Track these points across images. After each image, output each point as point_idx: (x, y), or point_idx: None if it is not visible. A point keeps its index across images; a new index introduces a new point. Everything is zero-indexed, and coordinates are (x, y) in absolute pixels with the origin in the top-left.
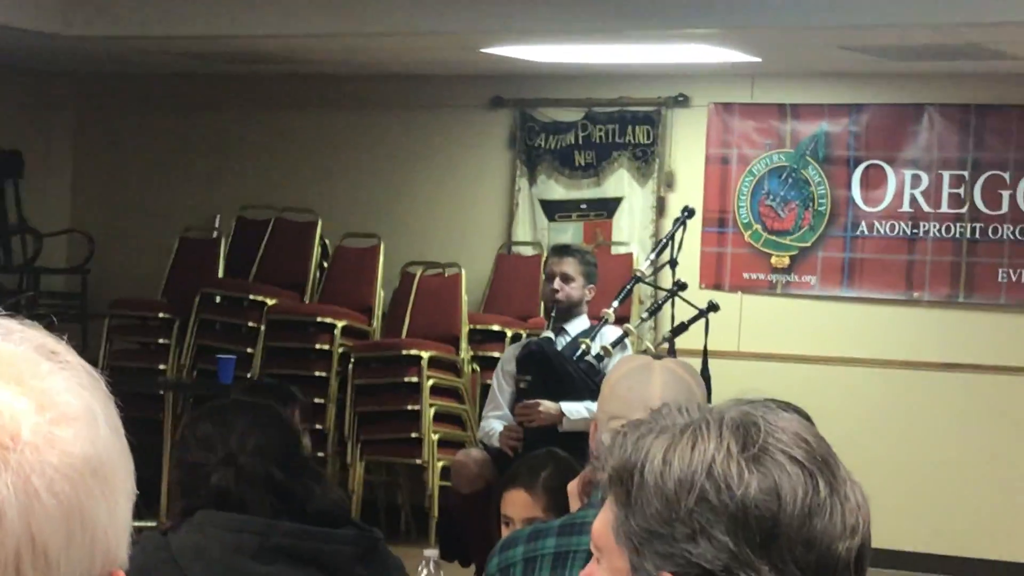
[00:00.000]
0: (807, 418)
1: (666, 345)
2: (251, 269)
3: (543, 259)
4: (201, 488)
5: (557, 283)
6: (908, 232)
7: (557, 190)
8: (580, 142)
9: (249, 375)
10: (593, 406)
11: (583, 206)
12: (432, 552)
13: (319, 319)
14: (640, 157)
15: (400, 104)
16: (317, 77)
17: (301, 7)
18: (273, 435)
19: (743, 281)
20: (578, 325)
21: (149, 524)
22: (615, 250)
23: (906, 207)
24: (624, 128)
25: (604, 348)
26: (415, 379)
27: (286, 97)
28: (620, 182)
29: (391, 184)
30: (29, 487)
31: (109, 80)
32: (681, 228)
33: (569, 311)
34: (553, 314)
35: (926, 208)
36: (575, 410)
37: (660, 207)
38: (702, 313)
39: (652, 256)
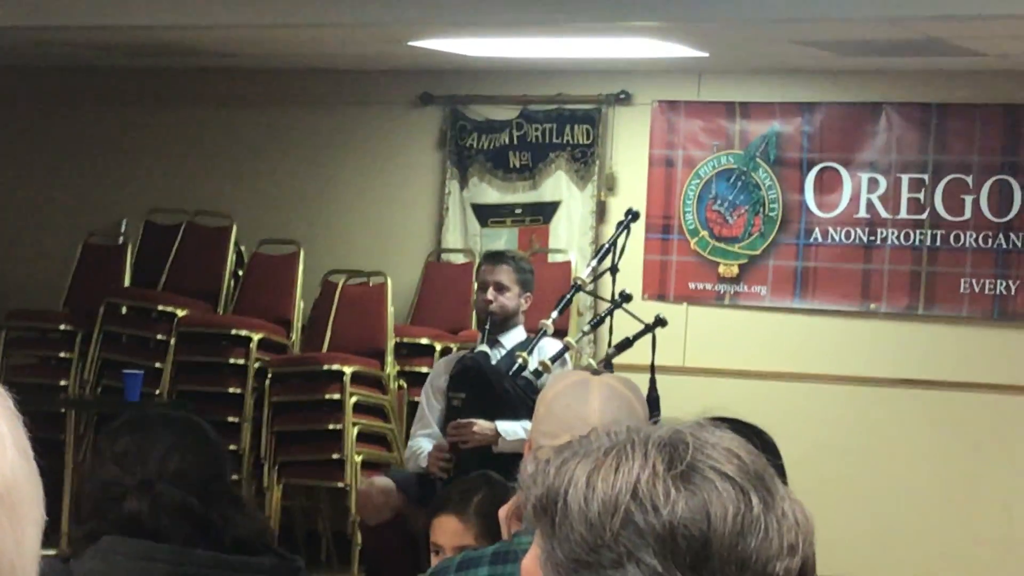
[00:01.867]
0: (762, 437)
1: (606, 361)
2: (160, 278)
3: (475, 267)
4: (112, 511)
5: (491, 293)
6: (865, 239)
7: (490, 193)
8: (515, 142)
9: (158, 391)
10: (530, 425)
11: (518, 211)
12: None
13: (233, 331)
14: (579, 159)
15: (321, 101)
16: (231, 71)
17: None
18: (196, 459)
19: (689, 291)
20: (514, 337)
21: (49, 552)
22: (552, 258)
23: (863, 212)
24: (562, 127)
25: (543, 363)
26: (337, 396)
27: (198, 93)
28: (558, 185)
29: (311, 187)
30: None
31: (4, 74)
32: (625, 233)
33: (504, 322)
34: (487, 326)
35: (884, 214)
36: (511, 430)
37: (600, 212)
38: (648, 328)
39: (593, 263)
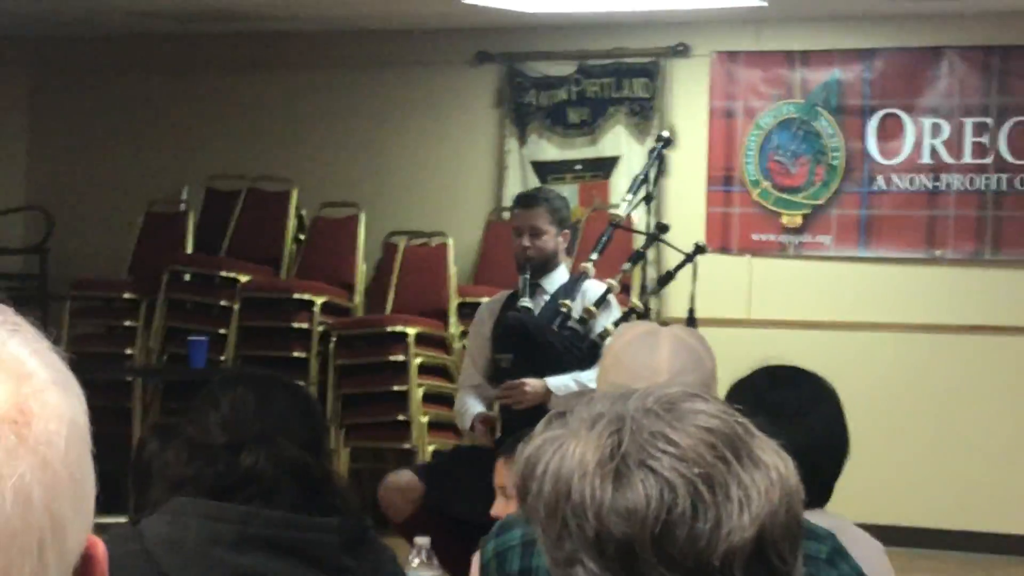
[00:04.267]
0: (823, 385)
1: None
2: (222, 244)
3: None
4: (219, 462)
5: (527, 239)
6: (929, 186)
7: (549, 150)
8: (573, 98)
9: (223, 358)
10: (582, 376)
11: (578, 167)
12: (424, 540)
13: (296, 296)
14: (638, 112)
15: (379, 62)
16: (289, 36)
17: None
18: (307, 422)
19: (752, 243)
20: (556, 279)
21: (118, 520)
22: (613, 212)
23: (926, 159)
24: (620, 82)
25: (587, 310)
26: (401, 358)
27: (257, 58)
28: (617, 140)
29: (371, 149)
30: (46, 462)
31: (65, 44)
32: (657, 161)
33: (544, 266)
34: (527, 275)
35: (947, 159)
36: (562, 384)
37: (661, 166)
38: (689, 258)
39: (628, 196)
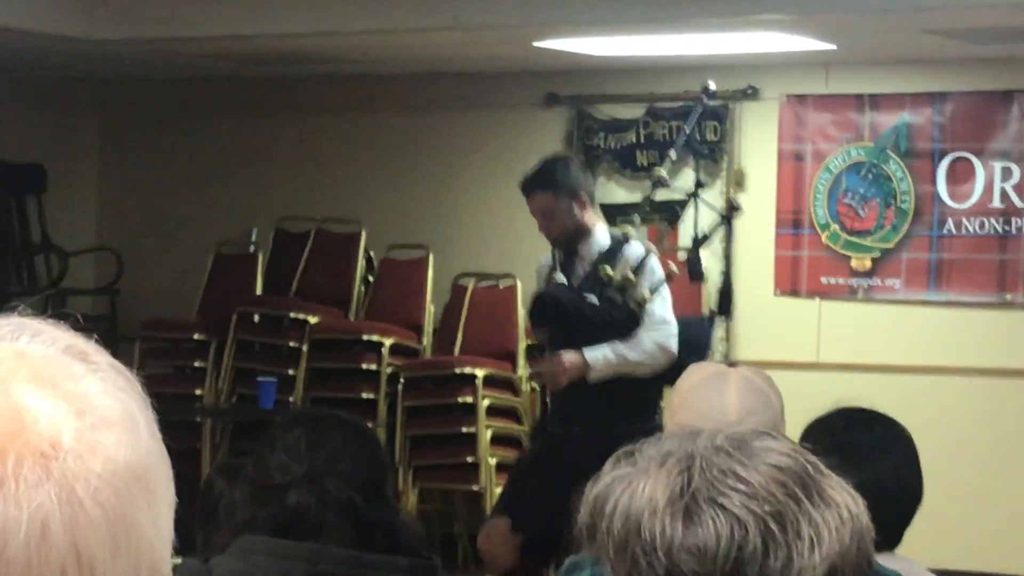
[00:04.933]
0: (896, 430)
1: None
2: (291, 285)
3: None
4: (274, 500)
5: (541, 224)
6: (999, 229)
7: (618, 192)
8: (642, 140)
9: (291, 398)
10: (620, 347)
11: (647, 209)
12: None
13: (365, 337)
14: (707, 155)
15: (448, 104)
16: (357, 78)
17: (336, 2)
18: (363, 461)
19: (821, 286)
20: (594, 245)
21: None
22: (683, 256)
23: (996, 202)
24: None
25: (626, 277)
26: (470, 399)
27: (325, 100)
28: (686, 183)
29: (439, 191)
30: (73, 497)
31: (135, 86)
32: (698, 115)
33: (572, 239)
34: (555, 252)
35: (1018, 203)
36: (600, 356)
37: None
38: (725, 218)
39: (671, 155)
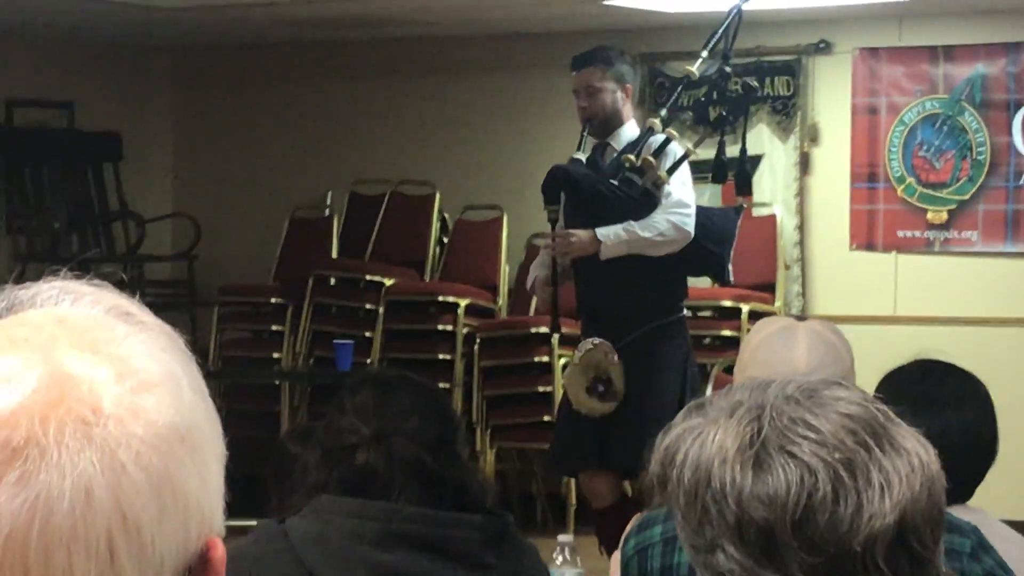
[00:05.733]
0: (973, 383)
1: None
2: (366, 248)
3: None
4: (343, 461)
5: (583, 98)
6: None
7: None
8: (714, 97)
9: (368, 360)
10: (633, 225)
11: None
12: (567, 538)
13: (441, 298)
14: (780, 110)
15: (521, 65)
16: (429, 40)
17: None
18: (432, 421)
19: (898, 240)
20: (624, 136)
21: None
22: (757, 211)
23: None
24: (762, 80)
25: (645, 159)
26: (546, 358)
27: (398, 63)
28: (759, 138)
29: (513, 151)
30: (116, 462)
31: (208, 53)
32: (737, 16)
33: (607, 123)
34: (585, 132)
35: None
36: (611, 233)
37: (804, 163)
38: (745, 100)
39: (704, 53)
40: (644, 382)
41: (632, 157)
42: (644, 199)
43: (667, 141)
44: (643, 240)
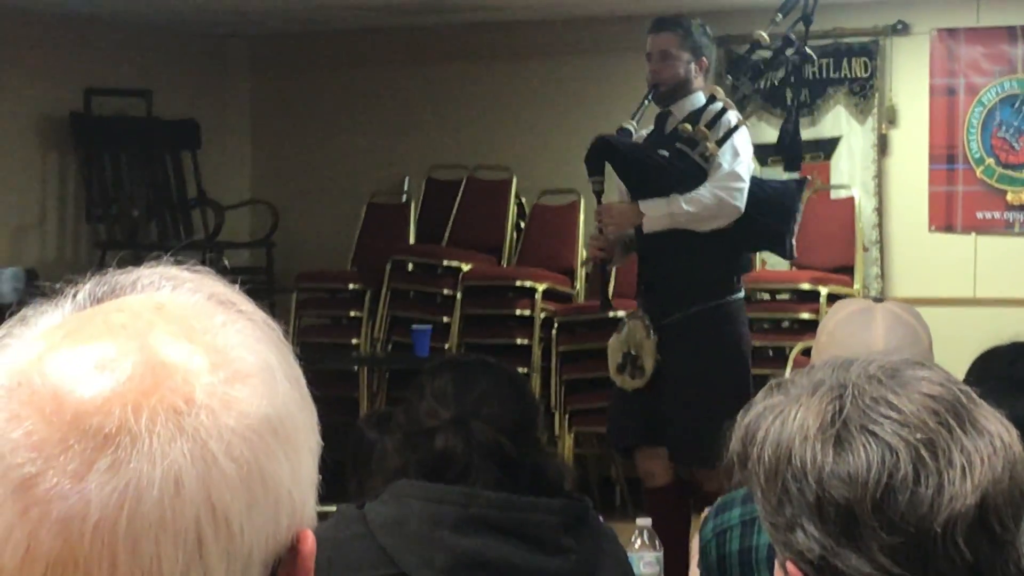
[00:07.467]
0: None
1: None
2: (444, 233)
3: None
4: (422, 445)
5: (654, 63)
6: None
7: (768, 132)
8: (790, 80)
9: (447, 345)
10: (679, 197)
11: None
12: (646, 521)
13: (518, 283)
14: (858, 92)
15: (595, 50)
16: (505, 25)
17: None
18: (511, 405)
19: (977, 221)
20: (687, 107)
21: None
22: (835, 194)
23: None
24: (839, 62)
25: (698, 129)
26: None
27: (473, 48)
28: (837, 120)
29: (589, 135)
30: (206, 453)
31: (285, 40)
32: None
33: (673, 92)
34: (647, 99)
35: None
36: (654, 206)
37: (882, 145)
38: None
39: (778, 18)
40: (685, 364)
41: (688, 127)
42: (696, 170)
43: (723, 111)
44: (686, 213)
